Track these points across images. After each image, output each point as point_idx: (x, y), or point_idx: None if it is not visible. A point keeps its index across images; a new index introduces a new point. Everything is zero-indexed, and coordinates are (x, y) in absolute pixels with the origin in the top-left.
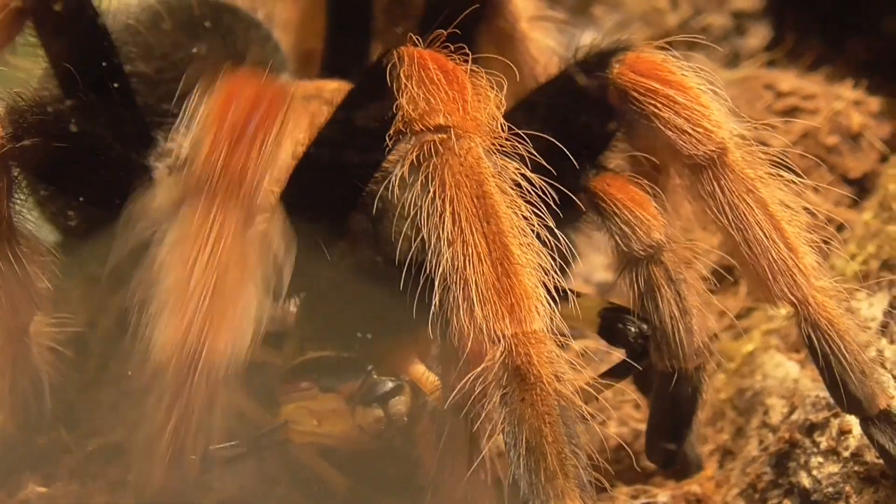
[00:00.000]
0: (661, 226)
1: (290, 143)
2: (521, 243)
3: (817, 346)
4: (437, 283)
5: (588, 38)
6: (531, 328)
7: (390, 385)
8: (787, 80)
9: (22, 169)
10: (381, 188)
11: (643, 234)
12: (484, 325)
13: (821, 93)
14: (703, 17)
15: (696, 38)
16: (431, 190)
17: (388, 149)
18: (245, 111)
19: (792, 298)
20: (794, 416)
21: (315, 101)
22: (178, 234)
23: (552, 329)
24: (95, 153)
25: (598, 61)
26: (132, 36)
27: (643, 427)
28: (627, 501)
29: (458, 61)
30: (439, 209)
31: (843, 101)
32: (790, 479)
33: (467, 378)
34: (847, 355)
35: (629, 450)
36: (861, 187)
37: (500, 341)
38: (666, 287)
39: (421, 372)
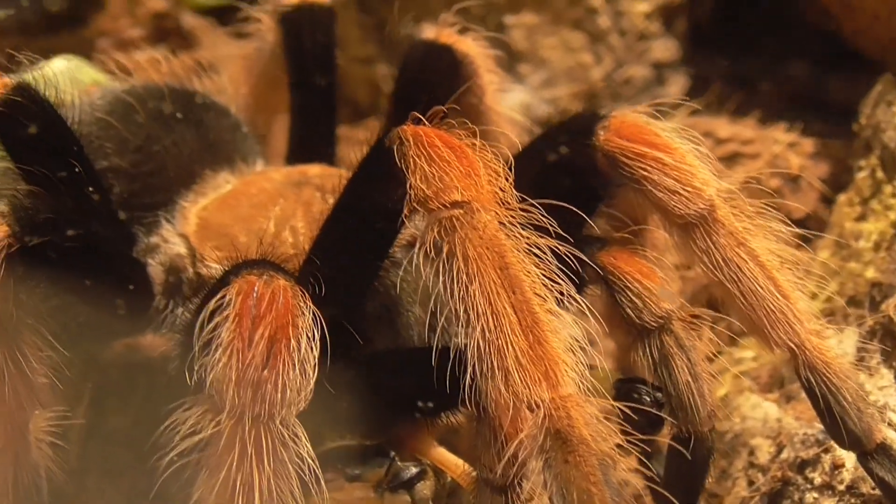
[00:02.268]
0: (669, 296)
1: (289, 233)
2: (546, 310)
3: (815, 389)
4: (469, 355)
5: (517, 97)
6: (567, 392)
7: (414, 470)
8: (724, 126)
9: (26, 266)
10: (396, 270)
11: (654, 305)
12: (523, 393)
13: (757, 137)
14: (624, 69)
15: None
16: (455, 265)
17: (399, 229)
18: (264, 335)
19: (790, 345)
20: (784, 455)
21: (306, 187)
22: (219, 472)
23: (584, 391)
24: (94, 249)
25: (580, 129)
26: (104, 130)
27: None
28: None
29: (461, 136)
30: (465, 283)
31: (780, 145)
32: None
33: (508, 447)
34: (845, 395)
35: None
36: (804, 227)
37: (538, 407)
38: (679, 355)
39: (442, 454)
